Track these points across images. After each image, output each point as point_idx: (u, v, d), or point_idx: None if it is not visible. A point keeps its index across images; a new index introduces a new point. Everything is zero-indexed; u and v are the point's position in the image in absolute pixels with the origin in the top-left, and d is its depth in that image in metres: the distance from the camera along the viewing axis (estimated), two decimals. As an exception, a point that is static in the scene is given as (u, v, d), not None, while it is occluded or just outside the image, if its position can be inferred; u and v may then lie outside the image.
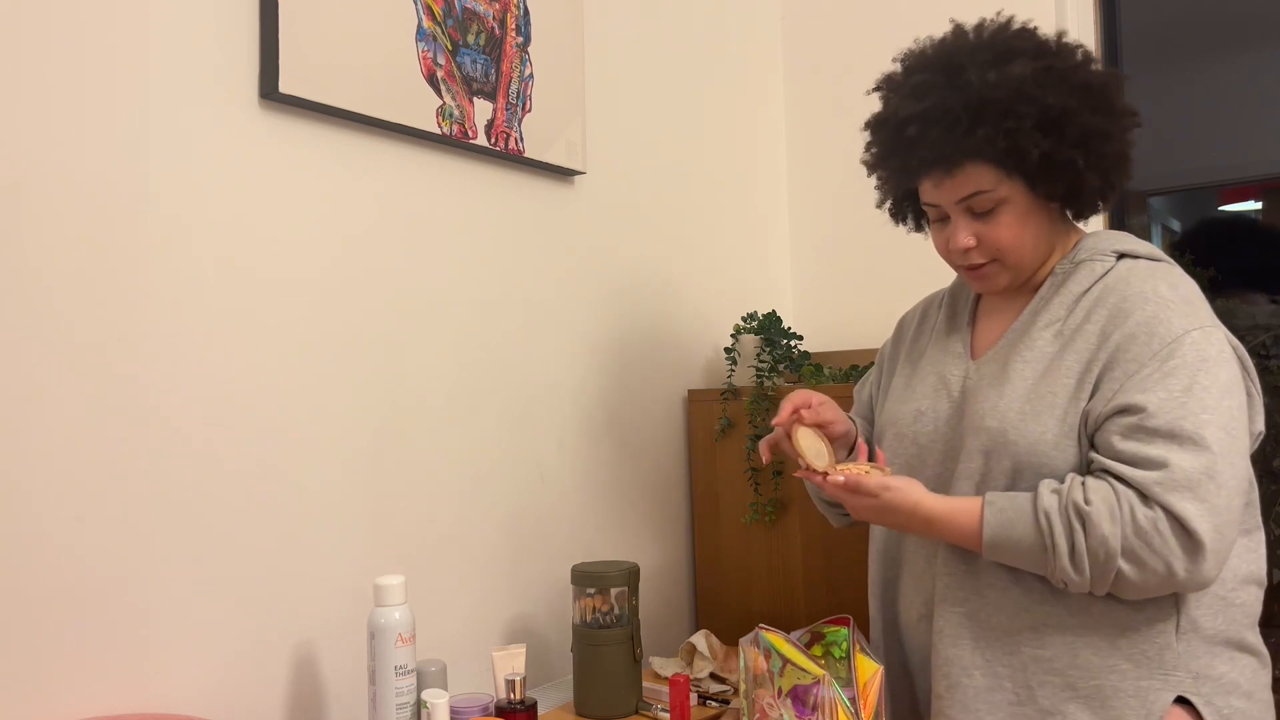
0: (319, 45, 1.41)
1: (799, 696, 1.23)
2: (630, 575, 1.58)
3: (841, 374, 2.01)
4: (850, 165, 1.64)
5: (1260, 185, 2.18)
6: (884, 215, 1.38)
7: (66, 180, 1.19)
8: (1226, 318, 1.39)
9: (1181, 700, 1.12)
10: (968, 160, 1.16)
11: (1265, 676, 1.18)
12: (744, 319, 2.09)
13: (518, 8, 1.72)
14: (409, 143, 1.58)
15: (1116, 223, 2.14)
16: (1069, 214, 1.26)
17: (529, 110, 1.74)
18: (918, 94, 1.18)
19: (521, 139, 1.72)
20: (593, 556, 1.88)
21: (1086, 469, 1.13)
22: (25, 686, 1.14)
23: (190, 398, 1.29)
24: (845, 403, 1.49)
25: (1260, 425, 1.18)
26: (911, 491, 1.18)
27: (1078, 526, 1.08)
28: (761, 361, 2.02)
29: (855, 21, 2.31)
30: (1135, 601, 1.12)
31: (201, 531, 1.30)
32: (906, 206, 1.35)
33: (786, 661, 1.26)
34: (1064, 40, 1.20)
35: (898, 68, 1.25)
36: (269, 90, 1.36)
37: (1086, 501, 1.08)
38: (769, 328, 2.07)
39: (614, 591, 1.58)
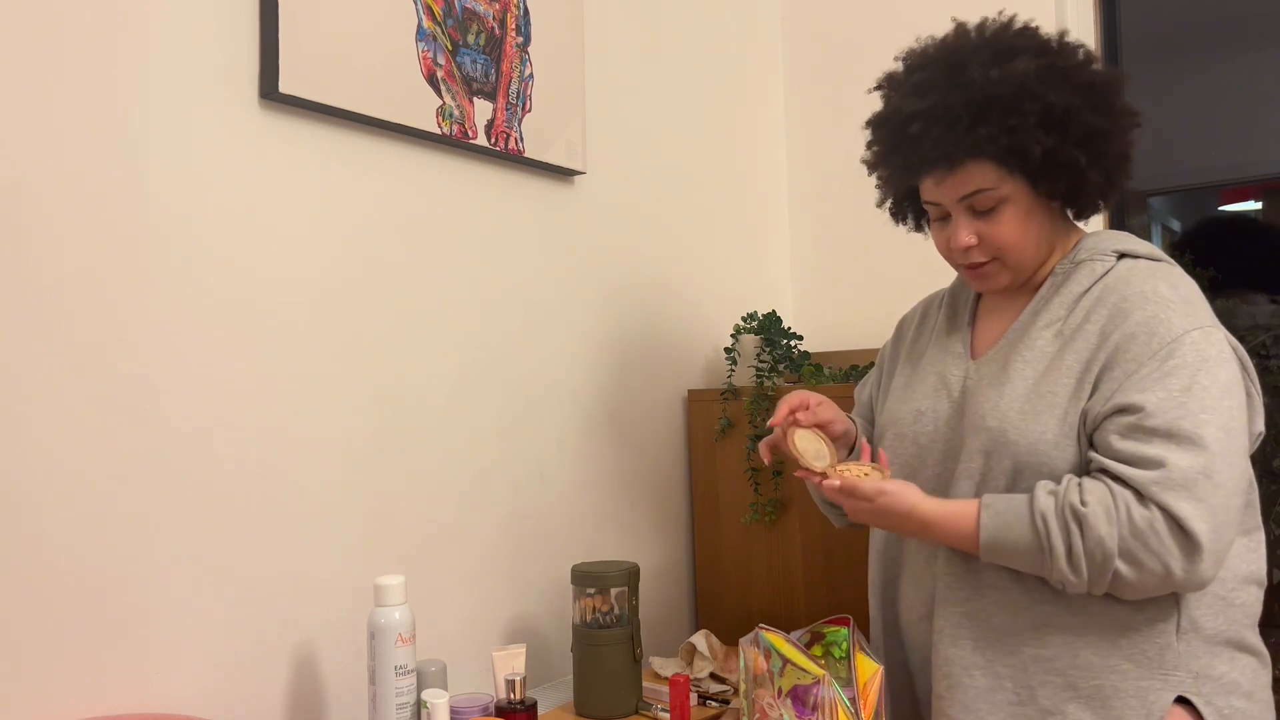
0: (319, 45, 1.41)
1: (799, 696, 1.23)
2: (630, 575, 1.58)
3: (841, 374, 2.01)
4: (850, 165, 1.65)
5: (1260, 185, 2.18)
6: (884, 215, 1.38)
7: (67, 180, 1.19)
8: (1226, 318, 1.39)
9: (1182, 700, 1.12)
10: (969, 158, 1.16)
11: (1265, 676, 1.18)
12: (744, 319, 2.09)
13: (518, 8, 1.72)
14: (409, 143, 1.57)
15: (1117, 223, 2.14)
16: (1069, 213, 1.26)
17: (529, 110, 1.74)
18: (920, 92, 1.18)
19: (521, 139, 1.72)
20: (593, 556, 1.88)
21: (1086, 469, 1.13)
22: (25, 686, 1.14)
23: (190, 397, 1.29)
24: (845, 403, 1.48)
25: (1260, 425, 1.18)
26: (908, 495, 1.18)
27: (1074, 528, 1.08)
28: (761, 361, 2.02)
29: (855, 22, 2.31)
30: (1136, 601, 1.12)
31: (202, 531, 1.30)
32: (907, 205, 1.35)
33: (786, 661, 1.26)
34: (1066, 39, 1.20)
35: (899, 66, 1.25)
36: (269, 90, 1.36)
37: (1083, 503, 1.08)
38: (769, 328, 2.07)
39: (614, 591, 1.58)
